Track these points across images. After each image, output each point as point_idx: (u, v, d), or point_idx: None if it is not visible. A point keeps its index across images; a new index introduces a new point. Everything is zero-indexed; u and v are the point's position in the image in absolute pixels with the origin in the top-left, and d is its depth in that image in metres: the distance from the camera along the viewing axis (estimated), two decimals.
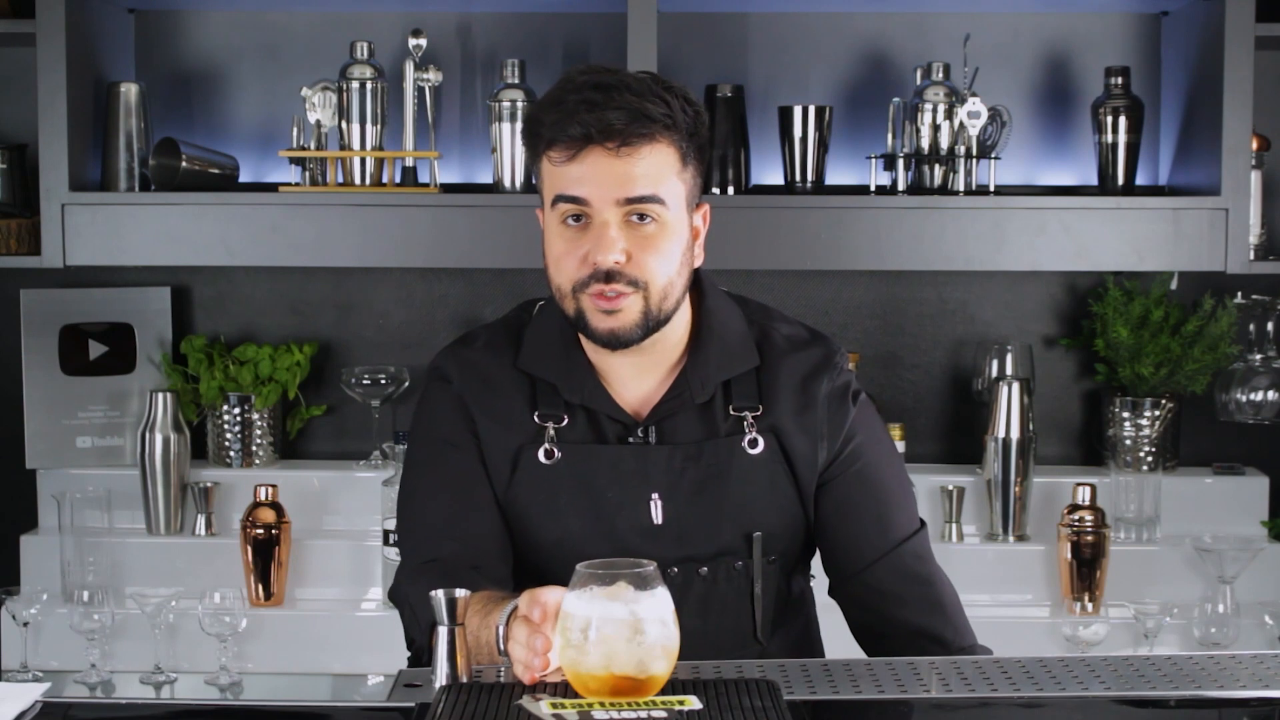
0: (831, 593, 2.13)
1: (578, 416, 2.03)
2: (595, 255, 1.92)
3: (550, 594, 1.66)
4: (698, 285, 2.07)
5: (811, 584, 2.20)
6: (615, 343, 1.96)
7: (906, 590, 2.07)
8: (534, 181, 2.01)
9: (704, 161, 2.00)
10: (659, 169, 1.92)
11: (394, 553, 3.24)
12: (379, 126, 3.32)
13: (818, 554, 2.16)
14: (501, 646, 1.70)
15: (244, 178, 3.48)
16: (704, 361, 2.02)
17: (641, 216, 1.92)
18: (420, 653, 1.99)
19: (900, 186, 3.31)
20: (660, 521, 2.01)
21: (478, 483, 2.03)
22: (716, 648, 2.00)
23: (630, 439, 2.02)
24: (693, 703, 1.61)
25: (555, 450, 2.01)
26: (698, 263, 2.03)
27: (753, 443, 2.03)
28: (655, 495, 2.01)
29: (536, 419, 2.02)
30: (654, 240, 1.93)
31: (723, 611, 2.04)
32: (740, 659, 1.98)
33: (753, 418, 2.03)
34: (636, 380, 2.03)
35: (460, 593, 1.69)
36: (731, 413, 2.04)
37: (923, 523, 2.12)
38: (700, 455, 2.02)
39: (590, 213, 1.92)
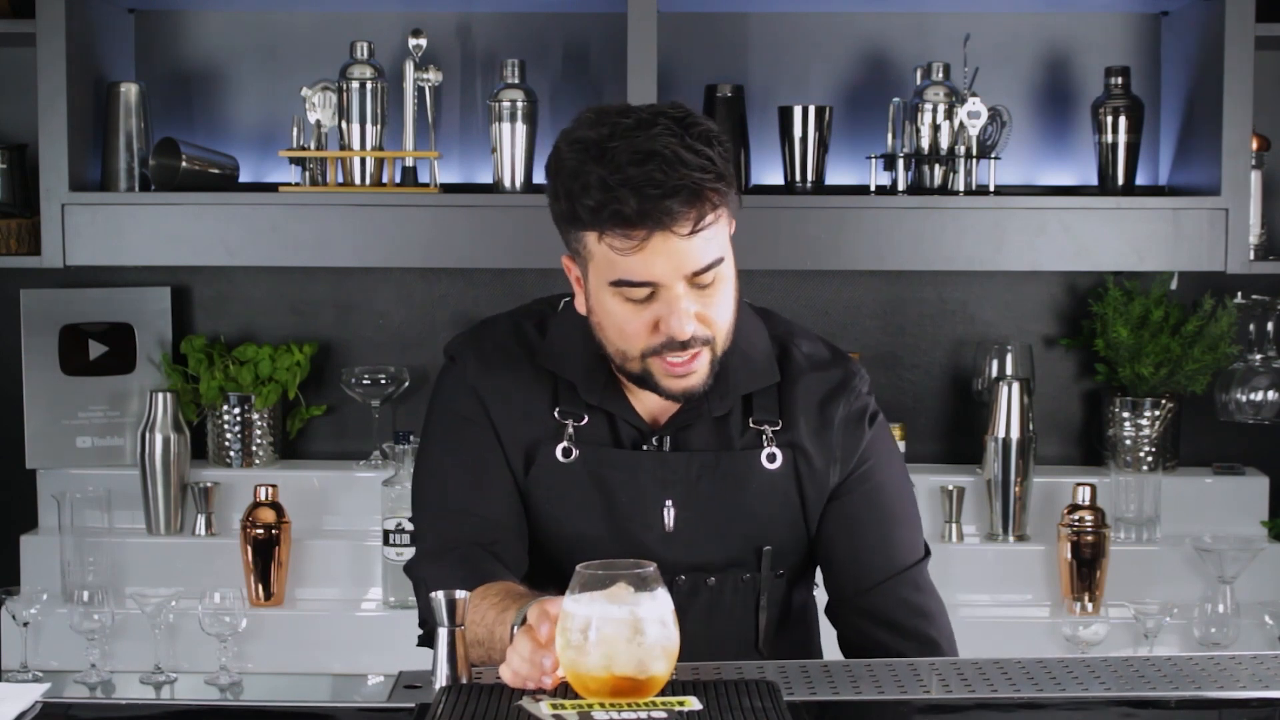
0: (827, 612, 2.12)
1: (596, 418, 2.02)
2: (671, 327, 1.88)
3: (559, 607, 1.65)
4: None
5: (815, 593, 2.20)
6: (690, 397, 1.96)
7: (902, 620, 2.05)
8: (565, 237, 1.93)
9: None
10: (720, 231, 1.90)
11: (394, 553, 3.24)
12: (379, 126, 3.32)
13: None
14: None
15: (244, 178, 3.48)
16: (725, 375, 1.99)
17: (704, 283, 1.89)
18: (431, 635, 2.00)
19: (900, 186, 3.30)
20: (672, 528, 2.01)
21: (494, 459, 2.03)
22: (717, 656, 2.00)
23: (645, 446, 2.02)
24: (693, 703, 1.61)
25: (574, 449, 2.01)
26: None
27: (771, 457, 2.02)
28: (669, 502, 2.01)
29: (557, 415, 2.02)
30: (717, 297, 1.91)
31: (727, 621, 2.04)
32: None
33: (772, 432, 2.03)
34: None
35: (460, 594, 1.69)
36: (751, 425, 2.03)
37: (928, 551, 2.11)
38: (718, 465, 2.01)
39: (658, 289, 1.88)
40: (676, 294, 1.88)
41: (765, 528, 2.03)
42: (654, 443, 2.02)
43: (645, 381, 1.94)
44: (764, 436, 2.03)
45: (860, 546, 2.06)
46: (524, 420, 2.03)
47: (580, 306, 1.98)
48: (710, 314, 1.91)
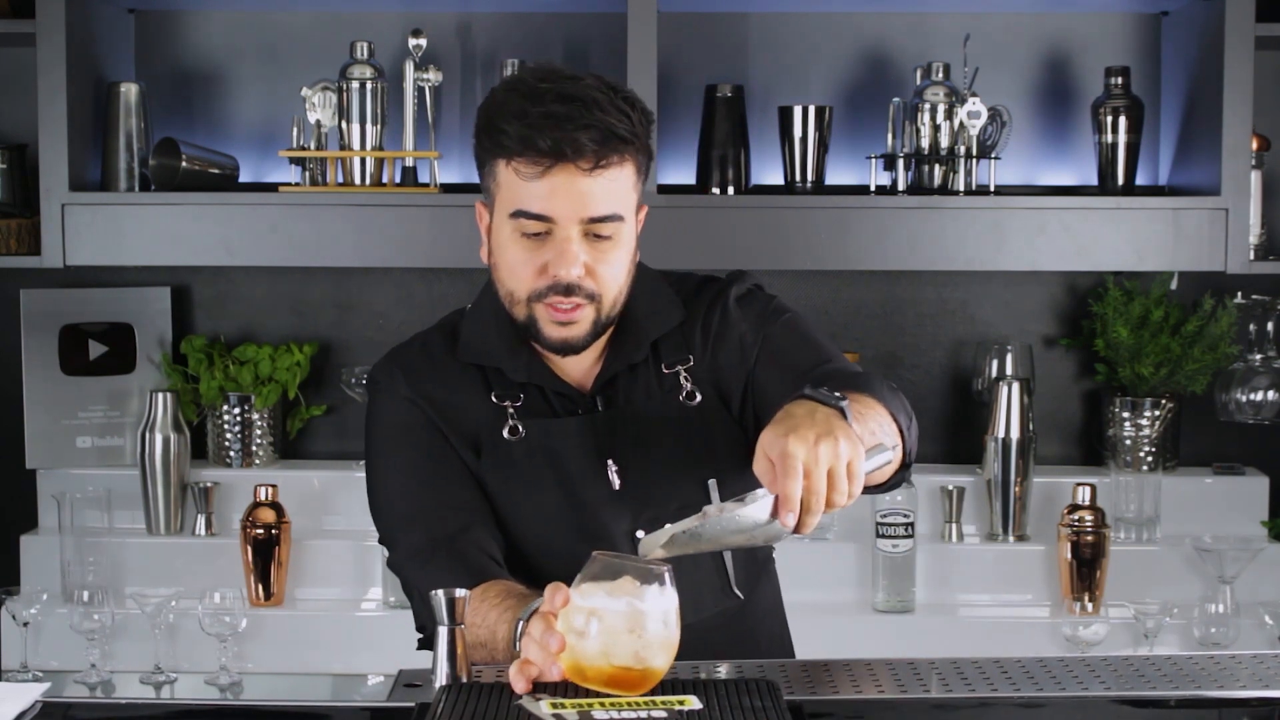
0: None
1: (530, 395, 2.06)
2: (557, 269, 1.94)
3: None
4: None
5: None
6: (567, 350, 2.01)
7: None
8: (482, 179, 2.01)
9: (650, 167, 2.05)
10: (623, 186, 1.96)
11: None
12: (379, 126, 3.32)
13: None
14: (519, 644, 1.70)
15: (244, 178, 3.48)
16: (633, 322, 2.06)
17: (600, 233, 1.95)
18: (430, 638, 2.00)
19: (900, 186, 3.31)
20: (619, 486, 2.03)
21: (447, 452, 2.05)
22: (697, 605, 2.01)
23: (580, 411, 2.05)
24: (693, 703, 1.61)
25: (519, 426, 2.04)
26: (636, 257, 2.06)
27: (690, 395, 2.06)
28: (610, 461, 2.03)
29: (494, 399, 2.05)
30: (610, 255, 1.97)
31: (696, 566, 2.05)
32: (722, 614, 2.05)
33: (686, 371, 2.07)
34: (575, 357, 2.05)
35: (460, 592, 1.69)
36: (665, 370, 2.07)
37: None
38: (643, 415, 2.05)
39: (553, 227, 1.94)
40: (568, 235, 1.94)
41: (707, 462, 2.05)
42: (588, 406, 2.05)
43: (530, 329, 2.00)
44: (680, 377, 2.07)
45: (793, 369, 2.04)
46: (465, 414, 2.05)
47: (484, 255, 2.04)
48: (600, 270, 1.96)
